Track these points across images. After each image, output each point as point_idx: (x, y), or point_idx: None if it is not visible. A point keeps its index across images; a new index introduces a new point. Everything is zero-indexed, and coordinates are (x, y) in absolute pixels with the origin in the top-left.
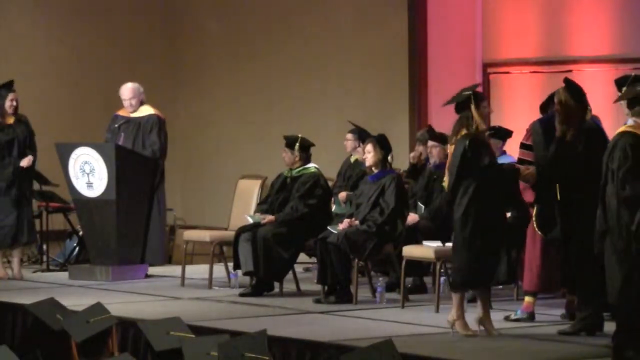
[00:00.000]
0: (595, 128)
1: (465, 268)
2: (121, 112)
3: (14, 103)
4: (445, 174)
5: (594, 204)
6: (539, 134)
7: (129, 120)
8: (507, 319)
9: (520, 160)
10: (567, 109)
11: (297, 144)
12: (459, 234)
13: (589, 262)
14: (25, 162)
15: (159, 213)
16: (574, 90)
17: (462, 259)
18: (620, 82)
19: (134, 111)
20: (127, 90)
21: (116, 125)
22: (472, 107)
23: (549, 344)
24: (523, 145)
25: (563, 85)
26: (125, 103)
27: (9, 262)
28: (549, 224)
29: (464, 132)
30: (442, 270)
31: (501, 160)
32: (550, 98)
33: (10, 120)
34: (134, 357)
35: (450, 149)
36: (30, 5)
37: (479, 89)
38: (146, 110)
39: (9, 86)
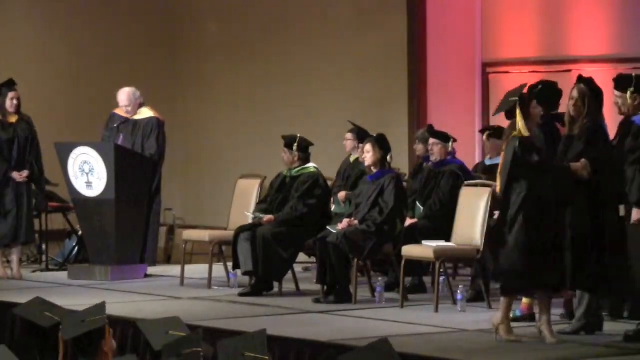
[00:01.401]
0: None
1: (516, 272)
2: (119, 111)
3: (15, 102)
4: (497, 178)
5: (593, 202)
6: (540, 137)
7: (127, 120)
8: None
9: None
10: (584, 105)
11: (296, 144)
12: (510, 235)
13: (589, 261)
14: (17, 177)
15: (154, 215)
16: (594, 89)
17: (514, 262)
18: (620, 82)
19: (133, 115)
20: (123, 97)
21: (115, 125)
22: (518, 112)
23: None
24: None
25: (581, 83)
26: (122, 109)
27: (8, 262)
28: None
29: (514, 133)
30: (441, 270)
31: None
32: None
33: (13, 119)
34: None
35: (502, 153)
36: (30, 5)
37: (525, 90)
38: (146, 113)
39: (9, 84)
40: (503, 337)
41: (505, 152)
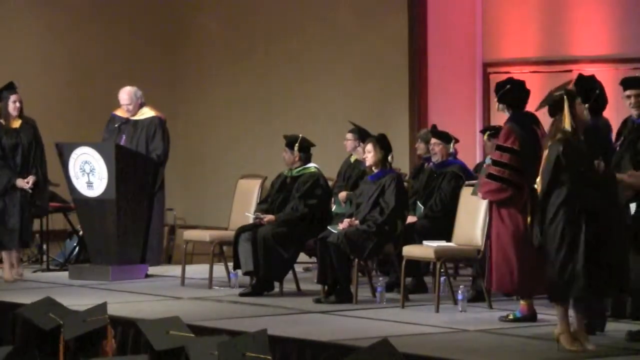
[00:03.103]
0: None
1: (557, 278)
2: (119, 112)
3: (18, 104)
4: (539, 178)
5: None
6: (524, 137)
7: (128, 121)
8: (501, 319)
9: (495, 162)
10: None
11: (297, 144)
12: (551, 241)
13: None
14: (22, 184)
15: (157, 215)
16: (580, 89)
17: (556, 268)
18: (630, 81)
19: (134, 115)
20: (125, 96)
21: (116, 126)
22: (566, 108)
23: (549, 343)
24: (500, 147)
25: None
26: (123, 108)
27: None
28: None
29: (559, 135)
30: (442, 270)
31: None
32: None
33: (16, 123)
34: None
35: (544, 152)
36: (30, 5)
37: (570, 87)
38: (147, 113)
39: (10, 87)
40: (566, 347)
41: (548, 155)
